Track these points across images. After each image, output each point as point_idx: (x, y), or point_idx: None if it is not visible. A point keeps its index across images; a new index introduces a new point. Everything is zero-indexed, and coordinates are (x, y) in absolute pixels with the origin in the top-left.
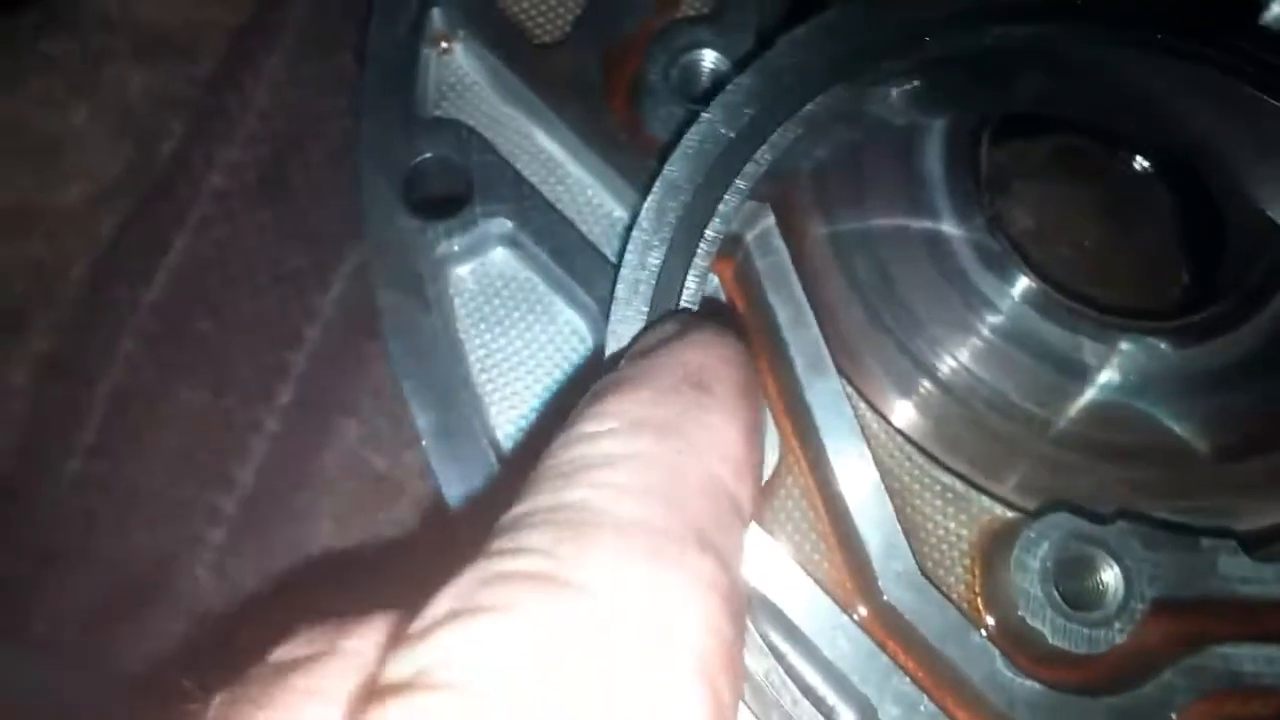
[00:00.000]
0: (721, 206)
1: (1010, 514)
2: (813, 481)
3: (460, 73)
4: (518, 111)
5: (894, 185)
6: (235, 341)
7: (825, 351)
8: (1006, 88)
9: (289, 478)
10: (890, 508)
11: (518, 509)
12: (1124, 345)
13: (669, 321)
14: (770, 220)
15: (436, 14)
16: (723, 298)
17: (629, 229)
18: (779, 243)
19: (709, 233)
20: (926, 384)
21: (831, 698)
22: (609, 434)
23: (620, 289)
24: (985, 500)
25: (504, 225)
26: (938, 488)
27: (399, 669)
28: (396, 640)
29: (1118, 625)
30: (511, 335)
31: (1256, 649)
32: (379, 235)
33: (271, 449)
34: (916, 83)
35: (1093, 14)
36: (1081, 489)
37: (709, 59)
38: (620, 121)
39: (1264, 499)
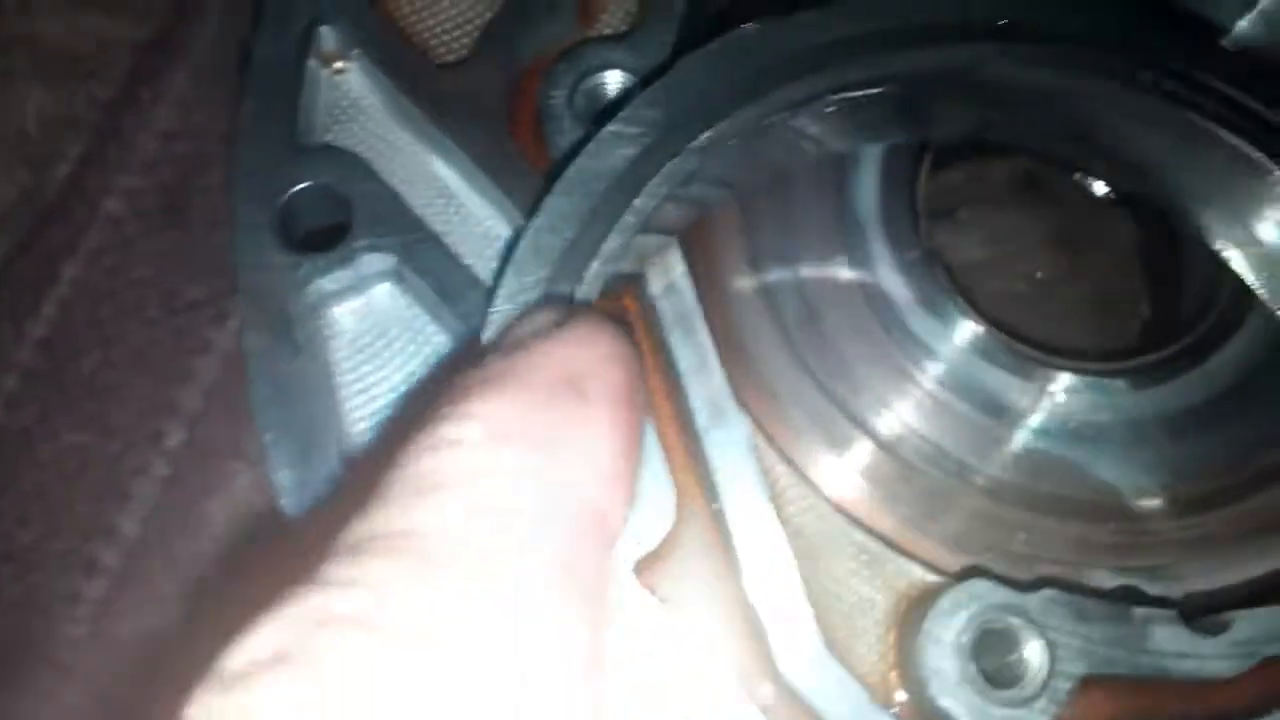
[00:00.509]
0: (606, 244)
1: (932, 577)
2: (715, 542)
3: (353, 94)
4: (413, 136)
5: (823, 214)
6: (124, 378)
7: (730, 401)
8: (932, 117)
9: (176, 526)
10: (795, 572)
11: (361, 527)
12: (1072, 389)
13: (546, 310)
14: (676, 256)
15: (326, 31)
16: None
17: (502, 267)
18: (684, 281)
19: (590, 271)
20: (853, 432)
21: None
22: (470, 445)
23: (487, 334)
24: (905, 563)
25: (387, 260)
26: (853, 549)
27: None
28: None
29: (1040, 706)
30: (395, 380)
31: None
32: (248, 272)
33: (159, 495)
34: (831, 109)
35: (1029, 38)
36: (1017, 547)
37: (616, 80)
38: (524, 148)
39: (1216, 558)
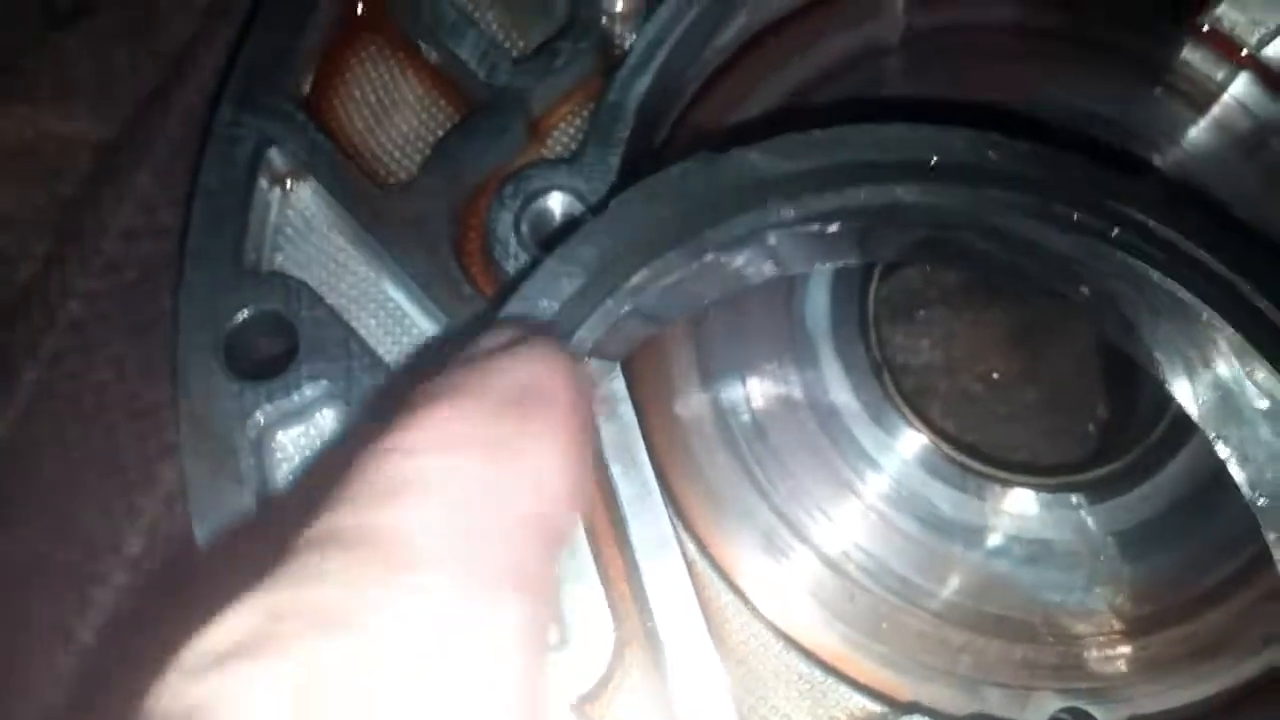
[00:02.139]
0: None
1: (873, 707)
2: (653, 672)
3: (302, 215)
4: (361, 257)
5: (774, 326)
6: (85, 483)
7: (669, 532)
8: (874, 246)
9: (135, 634)
10: (730, 708)
11: (324, 523)
12: (1021, 505)
13: (501, 330)
14: (618, 383)
15: (275, 153)
16: None
17: None
18: (626, 408)
19: None
20: (799, 549)
21: None
22: (426, 451)
23: None
24: (847, 691)
25: (332, 386)
26: (794, 677)
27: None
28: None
29: None
30: None
31: None
32: (192, 400)
33: (117, 604)
34: (773, 242)
35: (958, 178)
36: (962, 669)
37: (560, 204)
38: (471, 270)
39: (1164, 680)
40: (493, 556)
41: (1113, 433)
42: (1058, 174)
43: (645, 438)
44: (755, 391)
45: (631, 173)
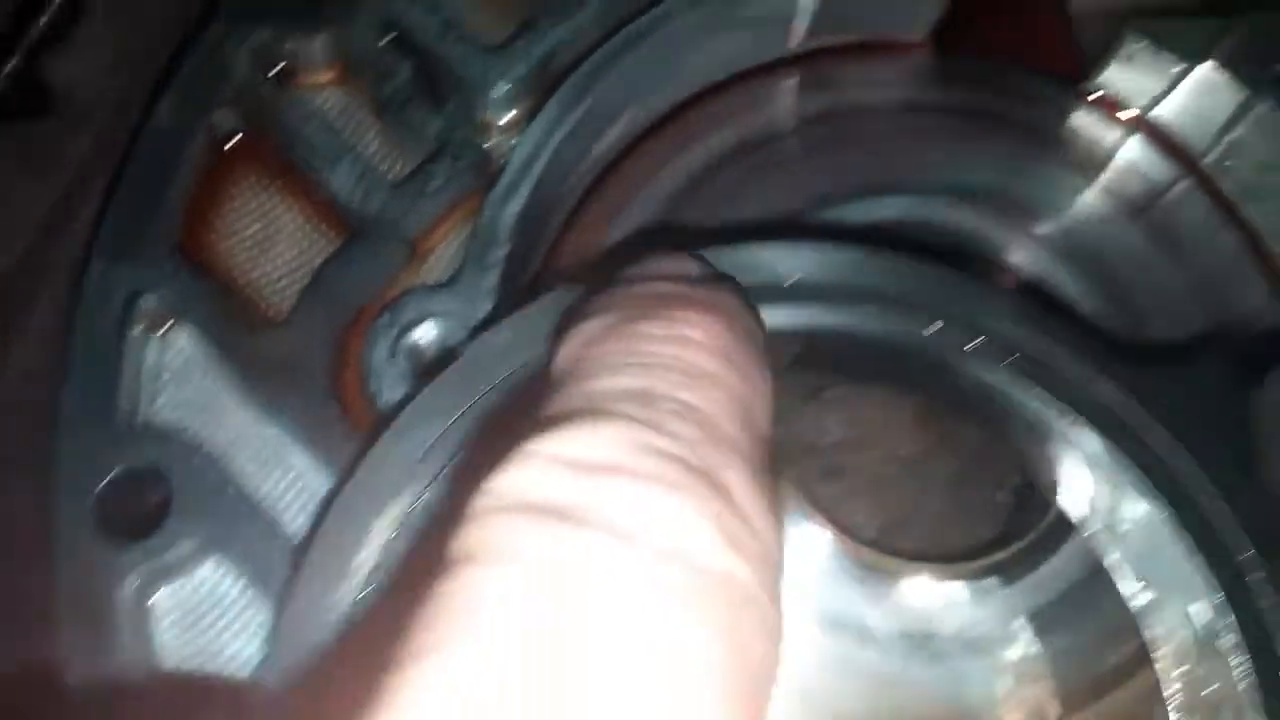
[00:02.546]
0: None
1: None
2: None
3: (176, 361)
4: (237, 401)
5: None
6: None
7: None
8: None
9: None
10: None
11: (638, 382)
12: (924, 597)
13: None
14: None
15: (148, 299)
16: None
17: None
18: None
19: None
20: None
21: None
22: (698, 346)
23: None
24: None
25: (209, 538)
26: None
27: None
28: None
29: None
30: (222, 660)
31: None
32: (66, 565)
33: None
34: None
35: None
36: None
37: (437, 332)
38: (350, 405)
39: None
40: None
41: (1022, 508)
42: (924, 287)
43: None
44: None
45: (511, 293)
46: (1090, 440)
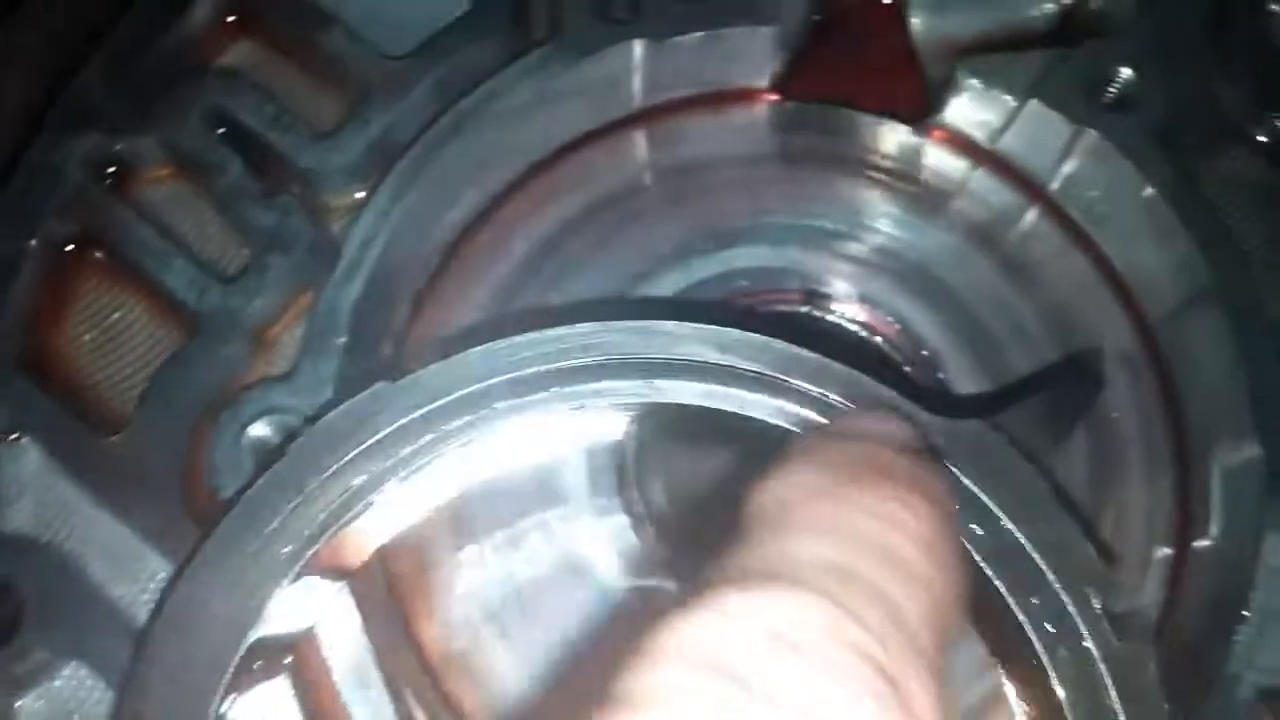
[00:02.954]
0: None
1: None
2: None
3: (22, 473)
4: (89, 504)
5: (527, 493)
6: None
7: None
8: None
9: None
10: None
11: (842, 556)
12: None
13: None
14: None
15: None
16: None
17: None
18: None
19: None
20: None
21: None
22: (905, 531)
23: None
24: None
25: (63, 645)
26: None
27: None
28: None
29: None
30: None
31: None
32: None
33: None
34: None
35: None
36: None
37: (279, 427)
38: (199, 501)
39: None
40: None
41: None
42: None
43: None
44: (517, 567)
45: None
46: None
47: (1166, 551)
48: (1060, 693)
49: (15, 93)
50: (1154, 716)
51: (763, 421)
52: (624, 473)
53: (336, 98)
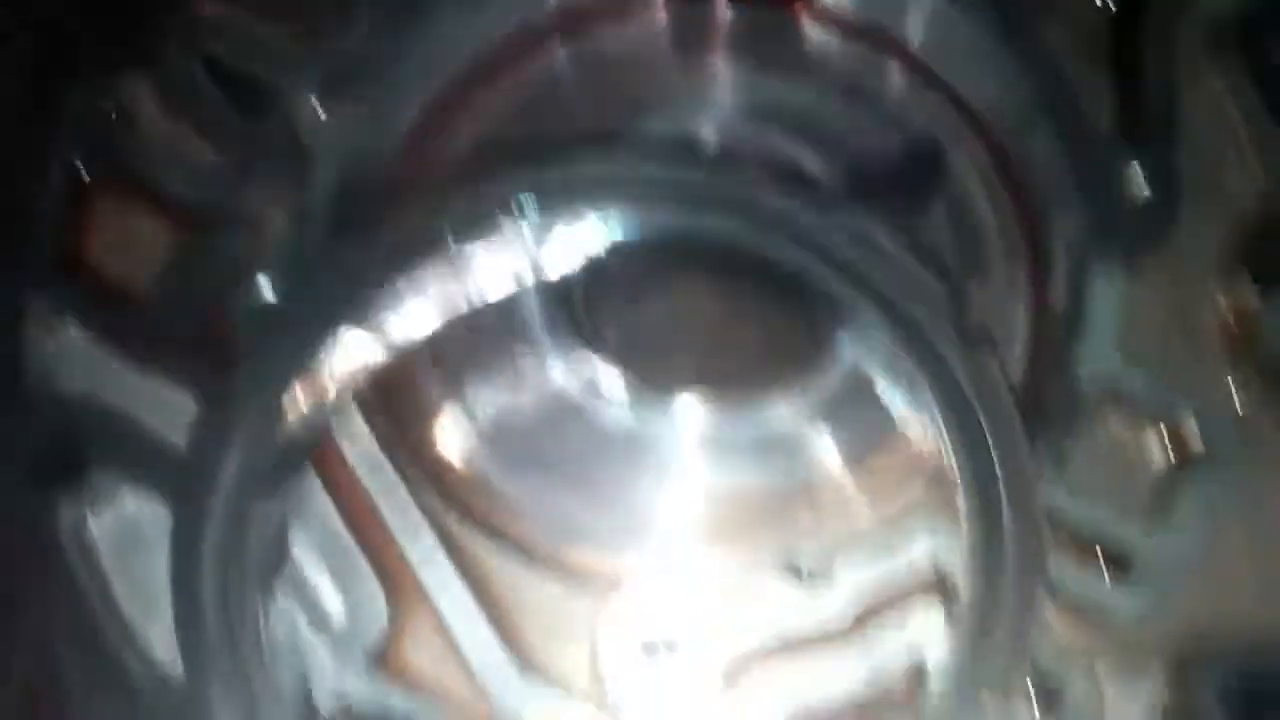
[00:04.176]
0: None
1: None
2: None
3: (71, 343)
4: (125, 365)
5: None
6: None
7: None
8: None
9: None
10: (484, 627)
11: None
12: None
13: None
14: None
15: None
16: None
17: None
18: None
19: None
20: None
21: None
22: None
23: None
24: (590, 585)
25: (124, 476)
26: (551, 586)
27: None
28: None
29: (697, 677)
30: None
31: (816, 666)
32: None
33: None
34: None
35: None
36: None
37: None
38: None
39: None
40: None
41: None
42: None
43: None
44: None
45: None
46: None
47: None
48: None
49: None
50: (1003, 411)
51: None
52: (580, 308)
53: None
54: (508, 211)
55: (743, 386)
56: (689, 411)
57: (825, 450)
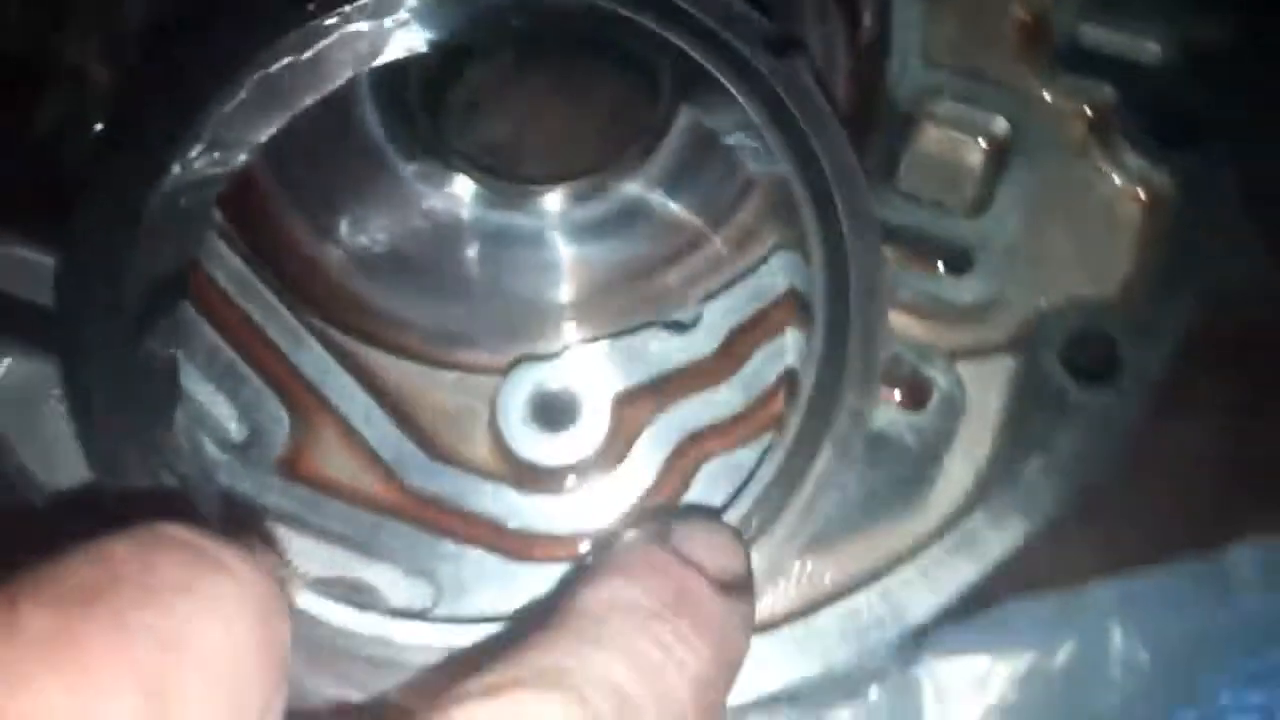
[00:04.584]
0: None
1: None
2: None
3: None
4: None
5: (342, 156)
6: None
7: (301, 329)
8: None
9: None
10: (389, 425)
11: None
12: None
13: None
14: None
15: None
16: None
17: None
18: (231, 255)
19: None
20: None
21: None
22: (687, 680)
23: None
24: (481, 378)
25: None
26: (450, 381)
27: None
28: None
29: (591, 424)
30: None
31: (698, 398)
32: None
33: None
34: None
35: None
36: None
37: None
38: None
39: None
40: None
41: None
42: None
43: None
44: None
45: None
46: None
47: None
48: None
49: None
50: (820, 117)
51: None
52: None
53: None
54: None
55: (593, 171)
56: (545, 203)
57: (680, 214)
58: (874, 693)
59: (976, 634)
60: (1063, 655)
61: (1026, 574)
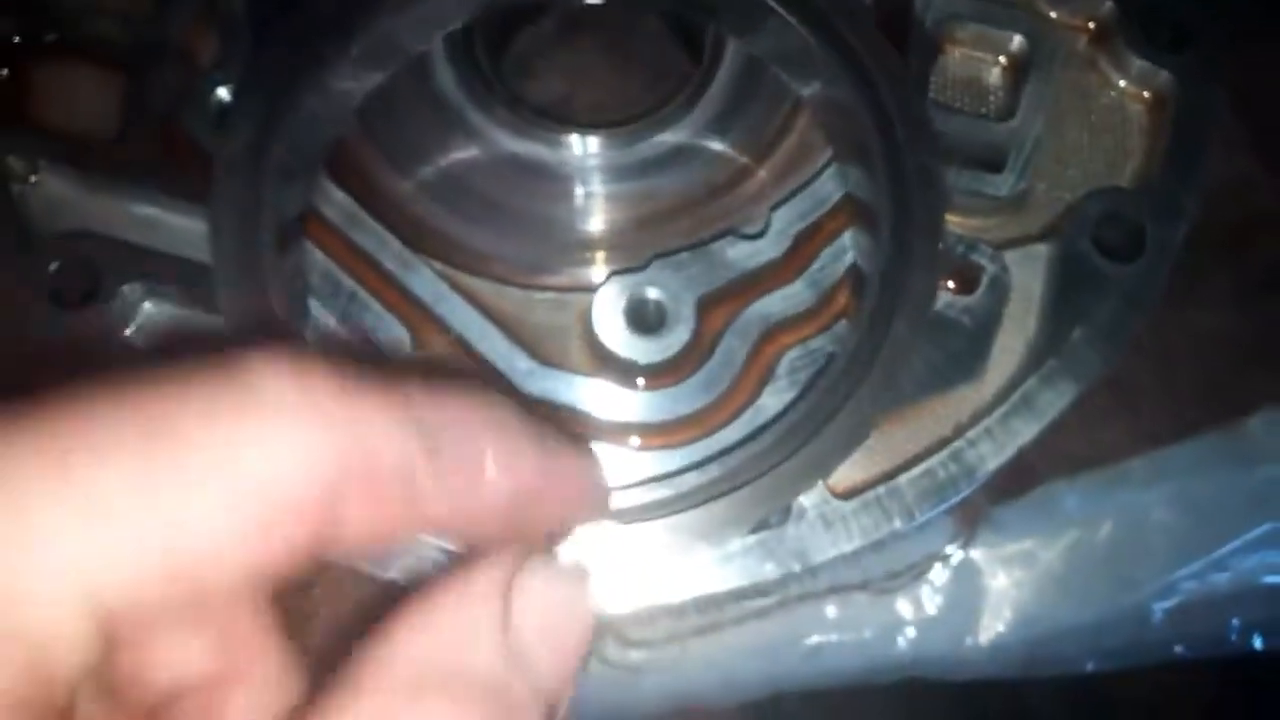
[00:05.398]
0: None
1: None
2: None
3: (57, 191)
4: (111, 197)
5: (426, 114)
6: None
7: (408, 252)
8: None
9: None
10: (500, 339)
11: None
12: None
13: None
14: (330, 186)
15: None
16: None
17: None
18: (340, 196)
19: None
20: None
21: None
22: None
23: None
24: (574, 295)
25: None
26: (544, 300)
27: None
28: None
29: (680, 330)
30: None
31: (772, 296)
32: None
33: None
34: None
35: None
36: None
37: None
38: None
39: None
40: None
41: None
42: None
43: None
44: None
45: None
46: None
47: None
48: None
49: None
50: (870, 35)
51: None
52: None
53: None
54: None
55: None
56: (591, 145)
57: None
58: (936, 571)
59: (1025, 512)
60: (1104, 529)
61: (1067, 455)
